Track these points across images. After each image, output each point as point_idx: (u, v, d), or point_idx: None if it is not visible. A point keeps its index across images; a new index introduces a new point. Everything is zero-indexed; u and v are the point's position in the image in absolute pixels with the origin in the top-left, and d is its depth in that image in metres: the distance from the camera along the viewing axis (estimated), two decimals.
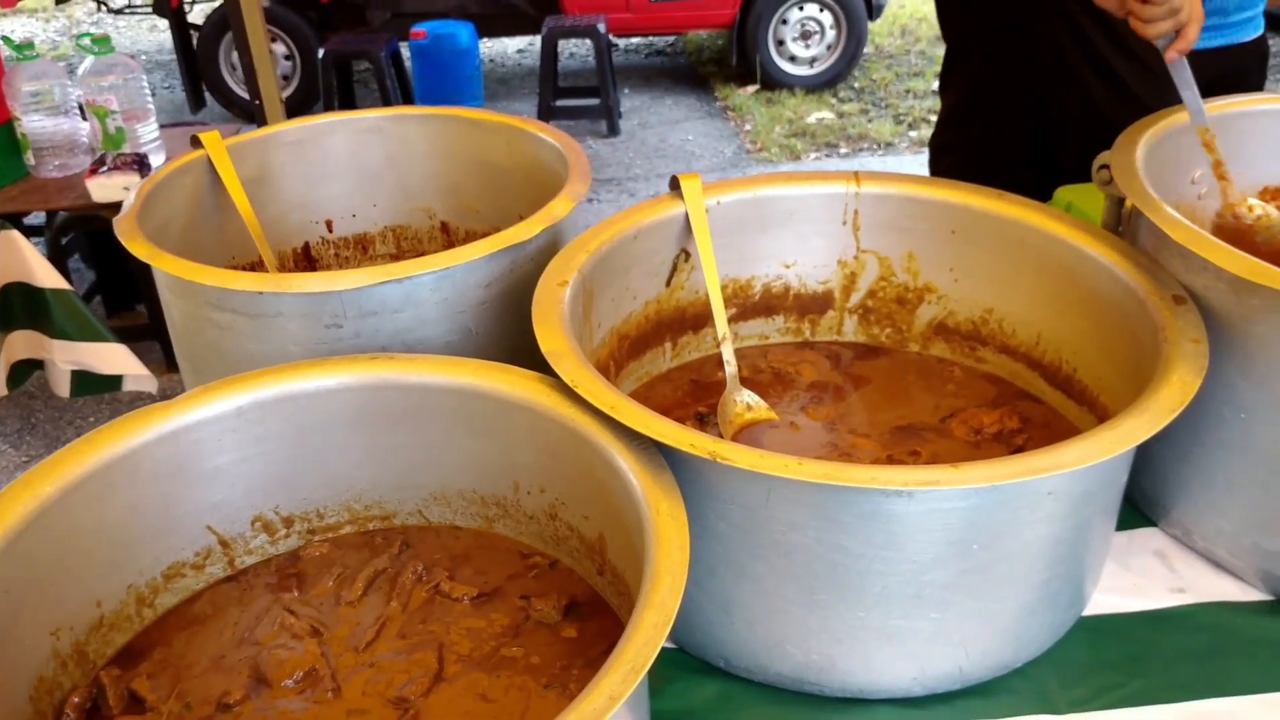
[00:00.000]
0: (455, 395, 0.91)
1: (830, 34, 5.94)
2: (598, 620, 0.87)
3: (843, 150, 5.31)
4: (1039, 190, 1.27)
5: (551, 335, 0.91)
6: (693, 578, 0.86)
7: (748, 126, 5.66)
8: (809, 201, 1.20)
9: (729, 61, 6.24)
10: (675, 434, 0.79)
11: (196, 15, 6.12)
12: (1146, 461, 1.03)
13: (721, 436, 1.11)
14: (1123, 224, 1.10)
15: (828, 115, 5.71)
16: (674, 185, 1.16)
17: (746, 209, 1.20)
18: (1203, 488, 0.99)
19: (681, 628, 0.92)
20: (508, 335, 1.08)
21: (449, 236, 1.47)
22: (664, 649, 0.94)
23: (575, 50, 7.07)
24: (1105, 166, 1.10)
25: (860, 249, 1.23)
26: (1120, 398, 0.95)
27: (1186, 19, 1.04)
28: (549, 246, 1.11)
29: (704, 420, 1.14)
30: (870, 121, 5.58)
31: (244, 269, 1.36)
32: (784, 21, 5.93)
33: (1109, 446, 0.76)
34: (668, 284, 1.19)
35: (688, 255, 1.18)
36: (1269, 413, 0.91)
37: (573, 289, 1.00)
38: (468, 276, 1.05)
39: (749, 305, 1.26)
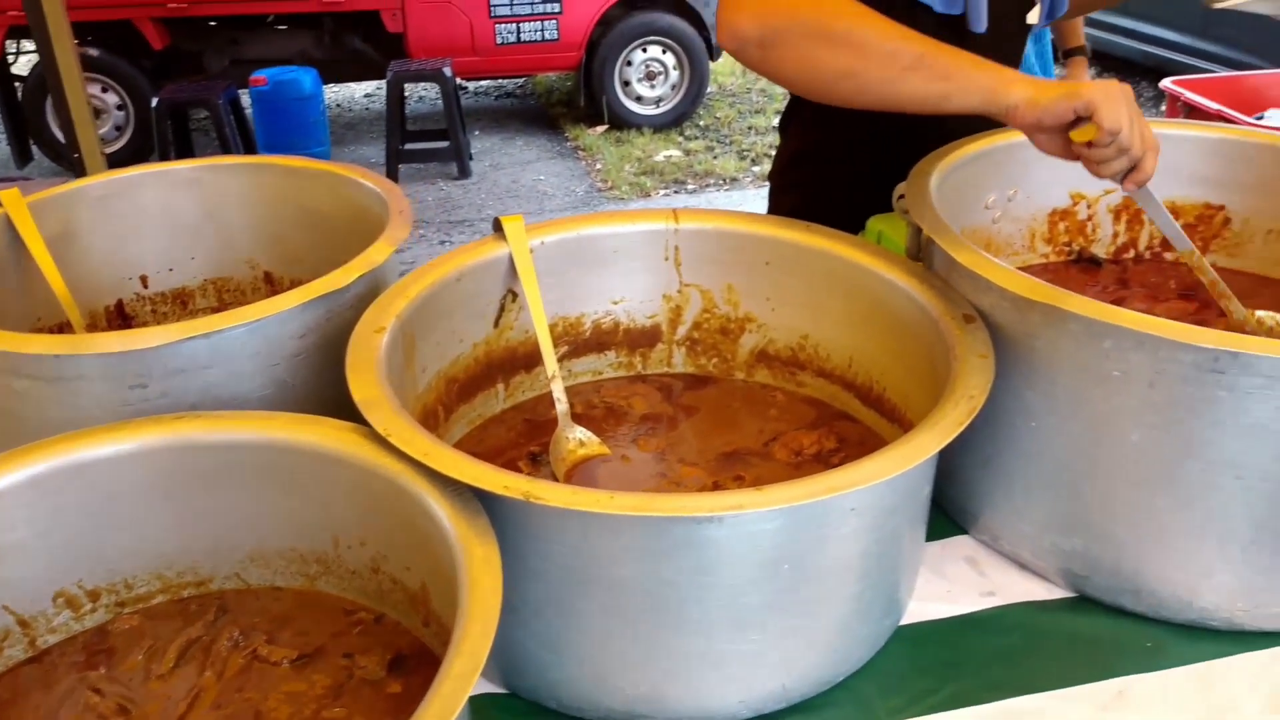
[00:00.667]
0: (266, 452, 0.89)
1: (674, 74, 6.08)
2: (423, 673, 0.86)
3: (690, 186, 5.43)
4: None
5: (365, 384, 0.90)
6: (519, 620, 0.87)
7: (598, 165, 5.73)
8: (632, 239, 1.23)
9: (578, 102, 6.32)
10: (490, 477, 0.79)
11: (21, 66, 5.83)
12: (953, 472, 1.09)
13: (555, 475, 1.12)
14: (921, 250, 1.17)
15: (675, 153, 5.84)
16: (497, 227, 1.17)
17: (571, 248, 1.21)
18: (1004, 494, 1.05)
19: (513, 672, 0.92)
20: (326, 386, 1.06)
21: (273, 287, 1.44)
22: (497, 695, 0.94)
23: (424, 93, 7.04)
24: (903, 196, 1.16)
25: (683, 283, 1.26)
26: (923, 413, 1.00)
27: (1140, 153, 1.01)
28: (368, 293, 1.10)
29: (537, 460, 1.15)
30: (716, 158, 5.73)
31: (51, 331, 1.30)
32: (629, 63, 6.05)
33: (902, 461, 0.80)
34: (496, 325, 1.19)
35: (515, 296, 1.19)
36: (1054, 420, 0.97)
37: (391, 335, 0.99)
38: (281, 328, 1.03)
39: (580, 342, 1.27)
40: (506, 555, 0.76)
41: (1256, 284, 1.35)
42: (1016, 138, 1.33)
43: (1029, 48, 2.35)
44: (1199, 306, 1.31)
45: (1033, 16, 1.46)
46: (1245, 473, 0.89)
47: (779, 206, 1.67)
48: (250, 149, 5.44)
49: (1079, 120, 0.99)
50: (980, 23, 1.36)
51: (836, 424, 1.19)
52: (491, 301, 1.17)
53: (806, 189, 1.61)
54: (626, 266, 1.24)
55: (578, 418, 1.19)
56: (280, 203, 1.41)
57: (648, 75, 6.07)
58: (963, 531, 1.12)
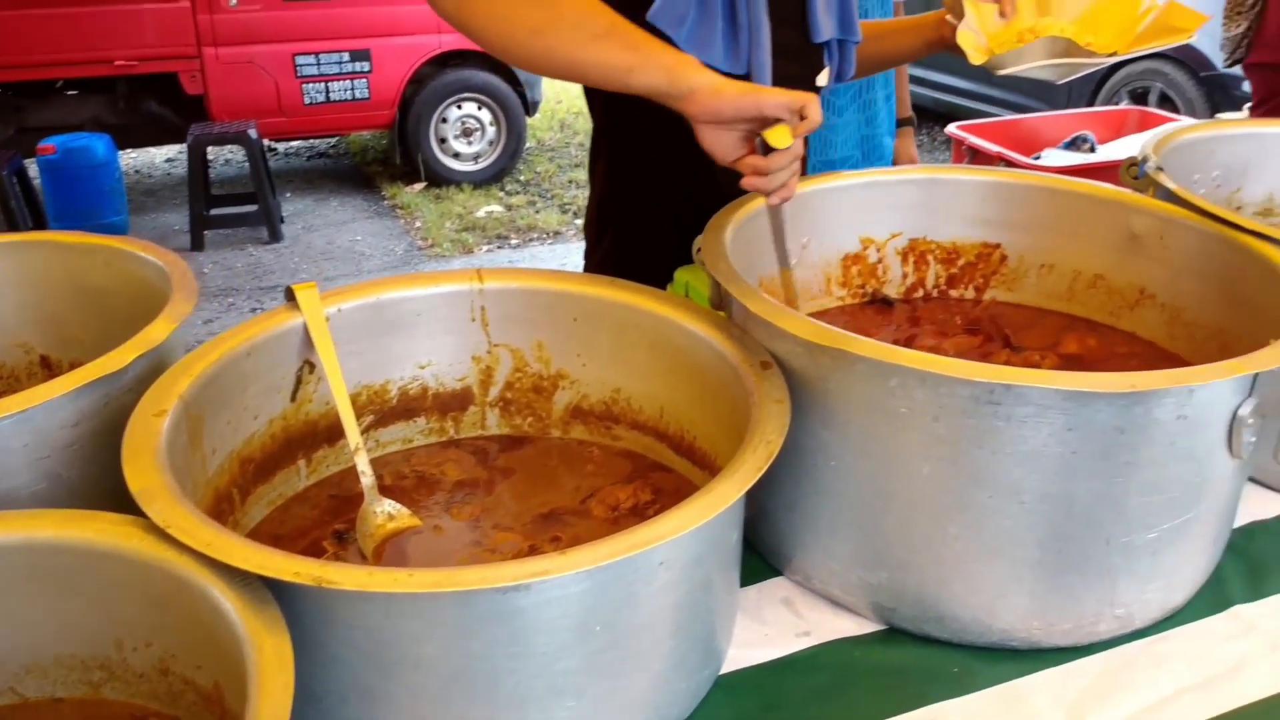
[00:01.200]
0: (34, 553, 0.82)
1: (491, 130, 6.09)
2: None
3: (514, 241, 5.43)
4: None
5: (143, 472, 0.84)
6: (324, 710, 0.82)
7: (418, 224, 5.66)
8: (435, 302, 1.21)
9: (394, 160, 6.24)
10: (279, 565, 0.75)
11: None
12: (763, 515, 1.11)
13: (363, 553, 1.07)
14: (723, 299, 1.19)
15: (496, 208, 5.84)
16: (289, 296, 1.13)
17: (371, 314, 1.18)
18: (812, 534, 1.07)
19: None
20: (105, 477, 0.98)
21: (51, 371, 1.34)
22: None
23: (231, 156, 6.80)
24: (700, 249, 1.19)
25: (492, 343, 1.24)
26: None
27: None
28: (150, 374, 1.03)
29: (344, 538, 1.10)
30: (538, 212, 5.76)
31: None
32: (444, 120, 6.02)
33: (704, 511, 0.81)
34: (293, 399, 1.14)
35: (312, 367, 1.14)
36: (852, 458, 1.01)
37: (173, 418, 0.93)
38: (51, 417, 0.95)
39: (387, 410, 1.24)
40: (305, 644, 0.72)
41: (1034, 316, 1.45)
42: (805, 187, 1.39)
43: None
44: (983, 340, 1.39)
45: (822, 79, 1.53)
46: (1027, 496, 0.95)
47: (594, 257, 1.68)
48: (40, 222, 5.10)
49: (767, 122, 1.03)
50: (765, 83, 1.41)
51: (652, 475, 1.20)
52: (287, 374, 1.12)
53: (618, 238, 1.63)
54: (432, 329, 1.22)
55: (387, 489, 1.15)
56: (55, 281, 1.31)
57: (464, 132, 6.06)
58: (778, 573, 1.14)
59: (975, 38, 1.47)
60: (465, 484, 1.20)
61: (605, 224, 1.64)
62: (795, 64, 1.45)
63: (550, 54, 1.10)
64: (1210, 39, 5.14)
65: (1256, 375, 0.94)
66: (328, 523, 1.13)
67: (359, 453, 1.08)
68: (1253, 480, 1.27)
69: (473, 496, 1.18)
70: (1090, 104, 5.53)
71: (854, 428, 1.00)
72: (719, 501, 0.83)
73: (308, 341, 1.11)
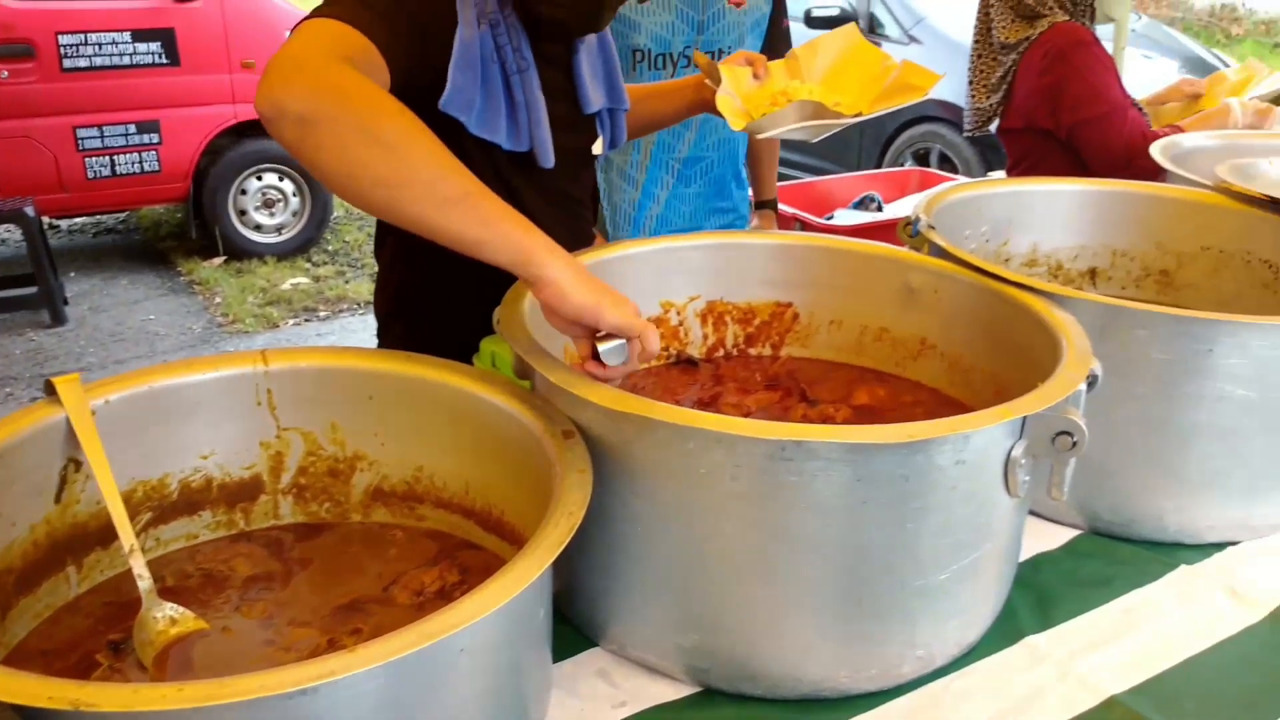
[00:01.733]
0: None
1: (294, 201, 5.91)
2: None
3: (322, 314, 5.26)
4: None
5: None
6: None
7: (217, 300, 5.41)
8: (215, 387, 1.14)
9: (190, 235, 5.96)
10: (29, 689, 0.68)
11: None
12: (576, 586, 1.09)
13: (142, 663, 0.99)
14: (527, 369, 1.18)
15: (303, 280, 5.65)
16: (49, 390, 1.04)
17: (144, 404, 1.10)
18: (625, 601, 1.06)
19: None
20: None
21: None
22: None
23: (7, 235, 6.32)
24: (499, 320, 1.18)
25: (281, 428, 1.18)
26: None
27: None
28: None
29: (120, 648, 1.01)
30: (348, 283, 5.61)
31: None
32: (243, 191, 5.80)
33: (504, 592, 0.78)
34: (58, 500, 1.05)
35: (79, 464, 1.05)
36: (658, 523, 1.01)
37: None
38: None
39: (168, 505, 1.15)
40: None
41: (827, 369, 1.50)
42: (605, 254, 1.40)
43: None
44: (783, 395, 1.43)
45: (597, 148, 1.56)
46: (825, 548, 0.97)
47: (392, 333, 1.63)
48: None
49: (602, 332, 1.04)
50: (548, 159, 1.43)
51: (460, 555, 1.16)
52: (50, 474, 1.03)
53: (414, 313, 1.59)
54: (213, 417, 1.15)
55: (170, 591, 1.07)
56: None
57: (265, 203, 5.85)
58: (594, 644, 1.12)
59: (733, 102, 1.55)
60: (258, 579, 1.13)
61: (398, 301, 1.60)
62: (572, 135, 1.49)
63: (395, 209, 1.03)
64: None
65: (1025, 418, 1.00)
66: (102, 633, 1.03)
67: (134, 554, 1.00)
68: (1035, 514, 1.36)
69: (266, 592, 1.11)
70: (878, 165, 5.90)
71: (659, 492, 1.00)
72: (519, 580, 0.80)
73: (72, 437, 1.03)
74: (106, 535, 1.08)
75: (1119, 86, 2.41)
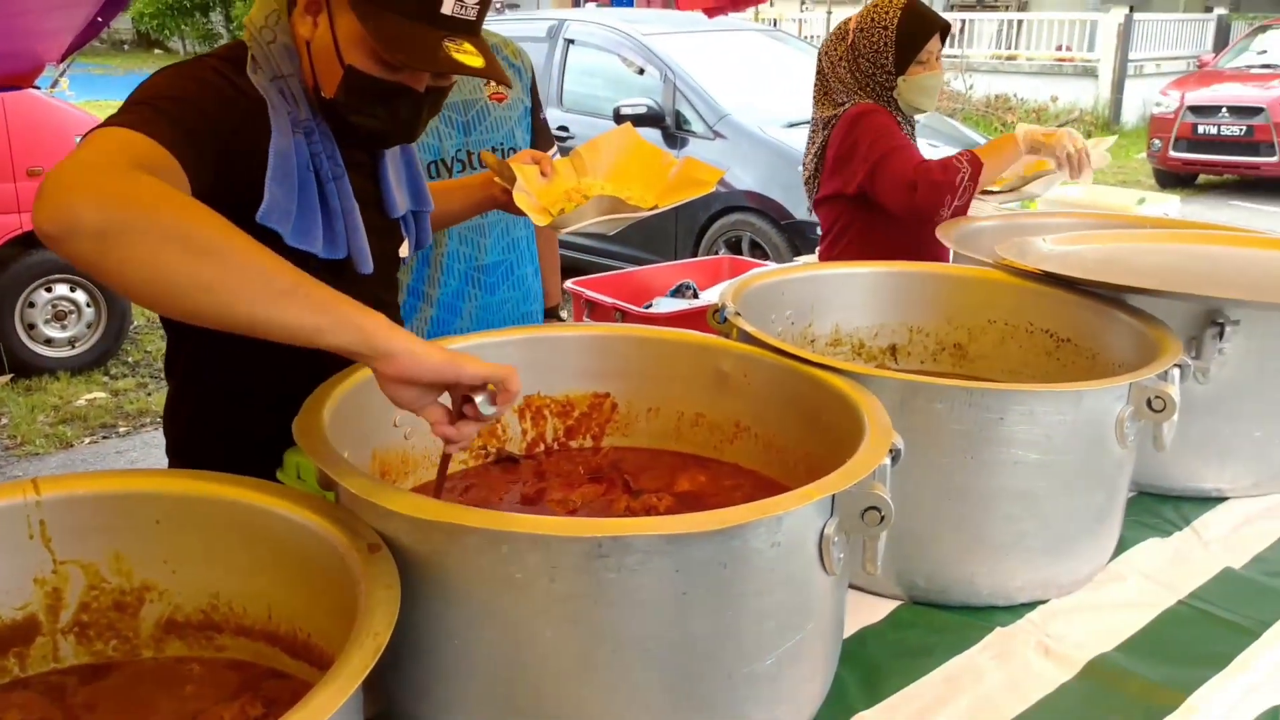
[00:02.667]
0: None
1: (89, 312, 5.57)
2: None
3: (122, 429, 4.93)
4: None
5: None
6: None
7: (4, 421, 4.99)
8: None
9: None
10: None
11: None
12: (395, 708, 1.04)
13: None
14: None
15: (100, 395, 5.29)
16: None
17: None
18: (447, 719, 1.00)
19: None
20: None
21: None
22: None
23: None
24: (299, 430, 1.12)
25: (58, 561, 1.08)
26: None
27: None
28: None
29: None
30: (150, 395, 5.29)
31: None
32: (32, 304, 5.42)
33: None
34: None
35: None
36: (476, 634, 0.96)
37: None
38: None
39: None
40: None
41: (650, 457, 1.50)
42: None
43: None
44: (606, 487, 1.41)
45: (403, 251, 1.54)
46: (648, 645, 0.95)
47: (185, 457, 1.53)
48: None
49: (462, 388, 1.03)
50: (366, 265, 1.41)
51: (265, 685, 1.08)
52: None
53: (210, 432, 1.50)
54: None
55: None
56: None
57: (56, 315, 5.48)
58: None
59: (530, 199, 1.58)
60: None
61: (195, 421, 1.52)
62: (382, 240, 1.47)
63: (225, 313, 0.97)
64: (786, 193, 5.88)
65: (834, 496, 1.01)
66: None
67: None
68: (857, 588, 1.38)
69: None
70: (694, 254, 6.08)
71: (474, 601, 0.96)
72: (321, 712, 0.74)
73: None
74: None
75: (909, 142, 2.57)
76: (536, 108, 2.36)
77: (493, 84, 2.21)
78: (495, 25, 8.01)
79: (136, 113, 1.15)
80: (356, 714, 0.87)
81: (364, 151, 1.46)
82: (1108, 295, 1.63)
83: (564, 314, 2.75)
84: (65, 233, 0.95)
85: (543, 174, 1.65)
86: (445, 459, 1.17)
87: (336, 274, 1.40)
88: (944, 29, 2.59)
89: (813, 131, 2.75)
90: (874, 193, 2.49)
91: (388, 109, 1.34)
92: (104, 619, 1.11)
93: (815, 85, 2.74)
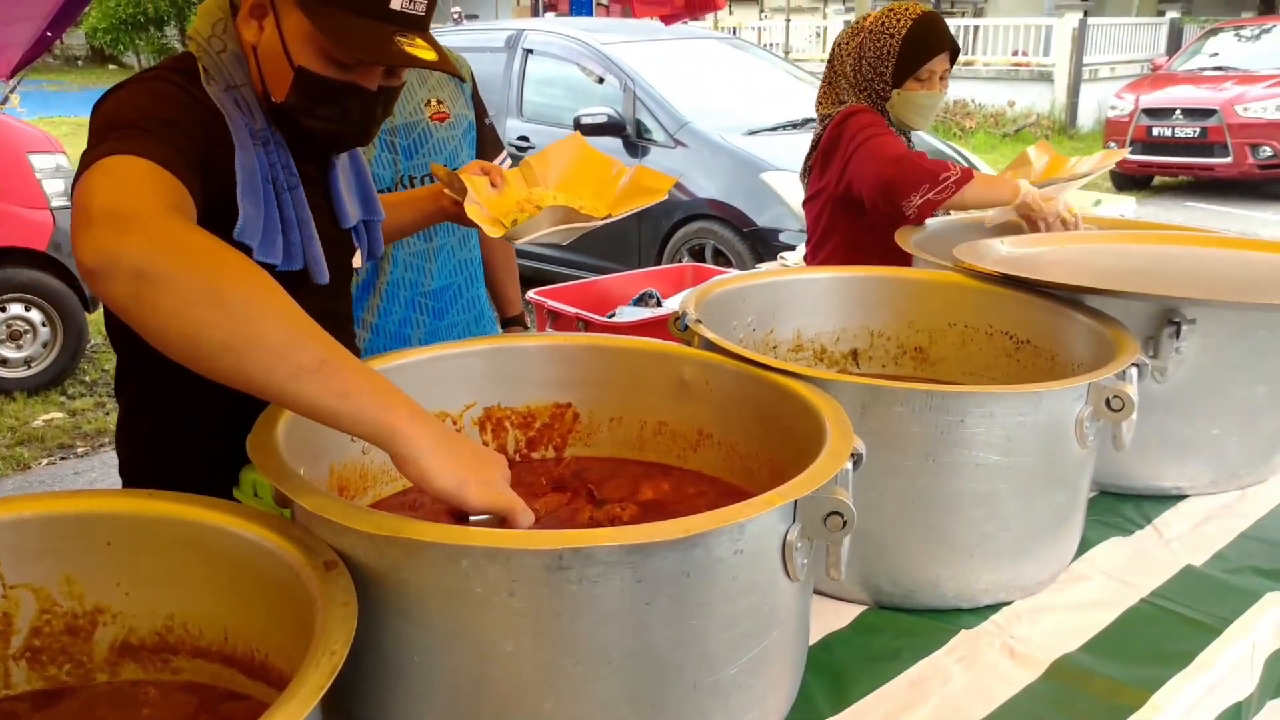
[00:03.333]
0: None
1: (44, 331, 5.47)
2: None
3: (80, 449, 4.85)
4: None
5: None
6: None
7: None
8: None
9: None
10: None
11: None
12: None
13: None
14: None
15: (57, 415, 5.20)
16: None
17: None
18: None
19: None
20: None
21: None
22: None
23: None
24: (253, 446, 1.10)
25: (7, 586, 1.05)
26: None
27: None
28: None
29: None
30: (108, 414, 5.21)
31: None
32: None
33: None
34: None
35: None
36: (436, 650, 0.95)
37: None
38: None
39: None
40: None
41: (613, 466, 1.49)
42: (374, 367, 1.35)
43: None
44: (570, 496, 1.40)
45: (356, 260, 1.53)
46: (612, 656, 0.94)
47: (139, 477, 1.50)
48: None
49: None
50: (322, 276, 1.39)
51: (223, 708, 1.06)
52: None
53: (163, 450, 1.48)
54: None
55: None
56: None
57: (11, 335, 5.38)
58: None
59: (481, 211, 1.57)
60: None
61: (148, 439, 1.49)
62: (334, 250, 1.46)
63: (242, 377, 0.95)
64: (748, 201, 5.91)
65: (796, 502, 1.01)
66: None
67: None
68: (823, 594, 1.38)
69: None
70: (657, 263, 6.08)
71: (435, 617, 0.94)
72: None
73: None
74: None
75: (898, 136, 2.53)
76: (480, 114, 2.29)
77: (434, 104, 2.15)
78: (455, 36, 7.99)
79: (135, 138, 1.13)
80: None
81: (315, 159, 1.44)
82: (1066, 296, 1.64)
83: (528, 322, 2.72)
84: (105, 270, 0.94)
85: (493, 185, 1.64)
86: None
87: (293, 286, 1.39)
88: (953, 51, 2.50)
89: (815, 130, 2.71)
90: (851, 179, 2.42)
91: (340, 109, 1.33)
92: (57, 643, 1.08)
93: (824, 76, 2.67)
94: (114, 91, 1.26)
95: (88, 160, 1.10)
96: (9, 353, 5.40)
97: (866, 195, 2.39)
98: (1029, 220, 2.26)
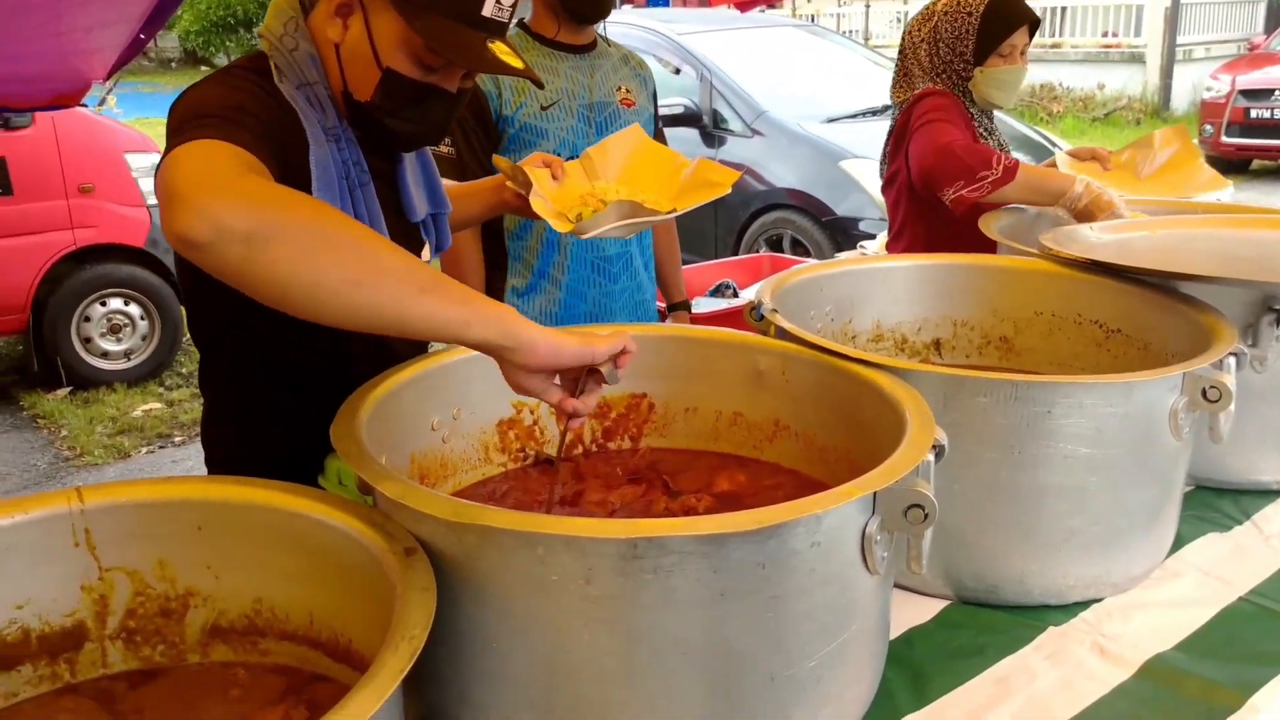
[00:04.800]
0: None
1: (142, 325, 5.67)
2: None
3: (177, 439, 5.02)
4: None
5: None
6: None
7: (64, 432, 5.10)
8: (24, 531, 1.04)
9: (31, 367, 5.64)
10: None
11: None
12: (434, 712, 1.03)
13: None
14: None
15: (156, 406, 5.39)
16: None
17: None
18: None
19: None
20: None
21: None
22: None
23: None
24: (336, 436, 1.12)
25: (104, 568, 1.09)
26: None
27: None
28: None
29: None
30: None
31: None
32: (87, 318, 5.54)
33: None
34: None
35: None
36: (512, 637, 0.96)
37: None
38: None
39: None
40: None
41: (688, 458, 1.48)
42: (450, 358, 1.36)
43: None
44: (646, 488, 1.40)
45: (425, 255, 1.54)
46: (687, 647, 0.93)
47: (225, 466, 1.55)
48: None
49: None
50: None
51: (309, 690, 1.08)
52: None
53: (248, 441, 1.52)
54: (26, 563, 1.05)
55: None
56: None
57: (112, 329, 5.59)
58: None
59: (546, 205, 1.58)
60: None
61: (235, 427, 1.53)
62: (402, 244, 1.46)
63: (372, 307, 0.98)
64: (827, 189, 5.83)
65: (875, 494, 0.99)
66: None
67: None
68: (904, 588, 1.35)
69: None
70: (734, 253, 6.05)
71: (511, 604, 0.95)
72: (356, 717, 0.74)
73: None
74: None
75: (965, 125, 2.48)
76: (657, 118, 2.55)
77: (623, 90, 2.44)
78: None
79: (218, 126, 1.15)
80: (396, 717, 0.87)
81: (385, 157, 1.46)
82: (1159, 284, 1.58)
83: (691, 307, 2.87)
84: (214, 238, 0.95)
85: (554, 177, 1.65)
86: (564, 434, 1.21)
87: None
88: (1033, 23, 2.47)
89: (891, 118, 2.68)
90: (909, 160, 2.42)
91: (421, 110, 1.34)
92: (150, 625, 1.12)
93: (896, 68, 2.67)
94: (188, 91, 1.29)
95: (169, 150, 1.12)
96: (109, 345, 5.62)
97: (915, 179, 2.38)
98: (1083, 220, 2.17)
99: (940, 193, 2.24)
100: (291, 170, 1.26)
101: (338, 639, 1.08)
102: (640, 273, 2.52)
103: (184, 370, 5.91)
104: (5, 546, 1.04)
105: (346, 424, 1.11)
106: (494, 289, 2.41)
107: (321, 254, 0.97)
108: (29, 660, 1.08)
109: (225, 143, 1.11)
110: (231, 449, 1.54)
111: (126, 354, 5.68)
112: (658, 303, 2.71)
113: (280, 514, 1.06)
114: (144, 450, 4.91)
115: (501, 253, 2.42)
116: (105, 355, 5.62)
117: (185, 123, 1.17)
